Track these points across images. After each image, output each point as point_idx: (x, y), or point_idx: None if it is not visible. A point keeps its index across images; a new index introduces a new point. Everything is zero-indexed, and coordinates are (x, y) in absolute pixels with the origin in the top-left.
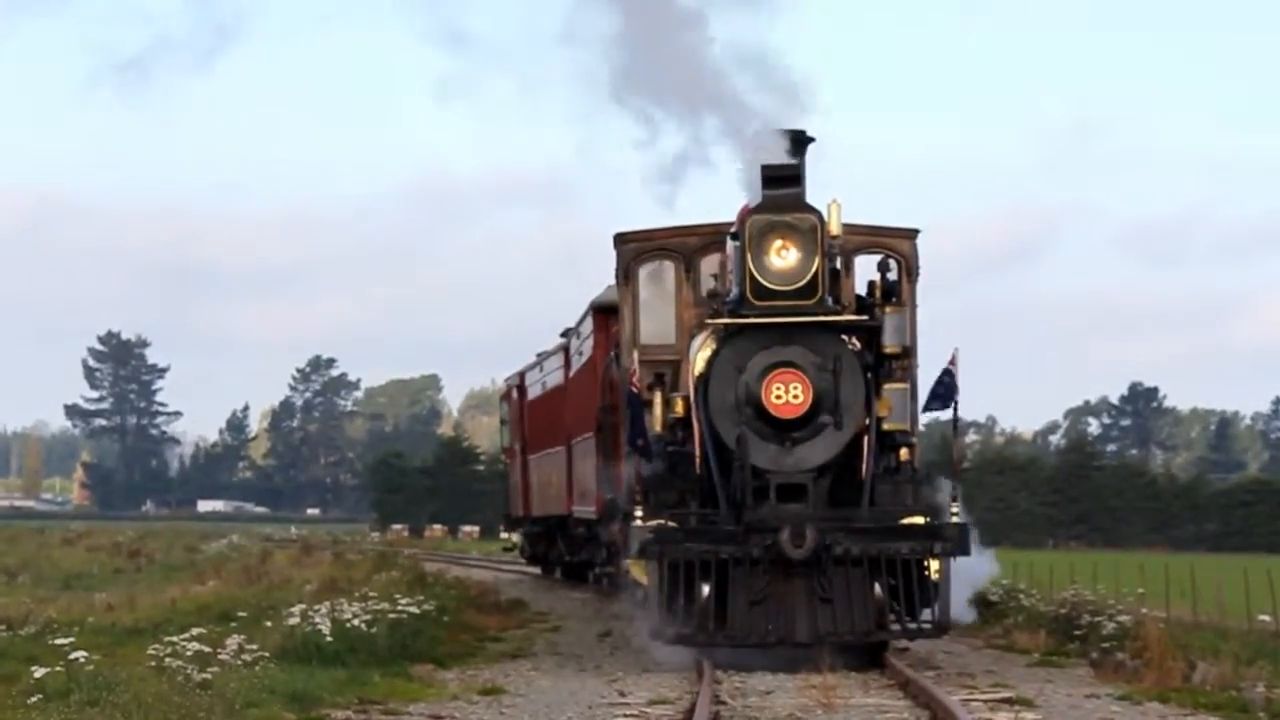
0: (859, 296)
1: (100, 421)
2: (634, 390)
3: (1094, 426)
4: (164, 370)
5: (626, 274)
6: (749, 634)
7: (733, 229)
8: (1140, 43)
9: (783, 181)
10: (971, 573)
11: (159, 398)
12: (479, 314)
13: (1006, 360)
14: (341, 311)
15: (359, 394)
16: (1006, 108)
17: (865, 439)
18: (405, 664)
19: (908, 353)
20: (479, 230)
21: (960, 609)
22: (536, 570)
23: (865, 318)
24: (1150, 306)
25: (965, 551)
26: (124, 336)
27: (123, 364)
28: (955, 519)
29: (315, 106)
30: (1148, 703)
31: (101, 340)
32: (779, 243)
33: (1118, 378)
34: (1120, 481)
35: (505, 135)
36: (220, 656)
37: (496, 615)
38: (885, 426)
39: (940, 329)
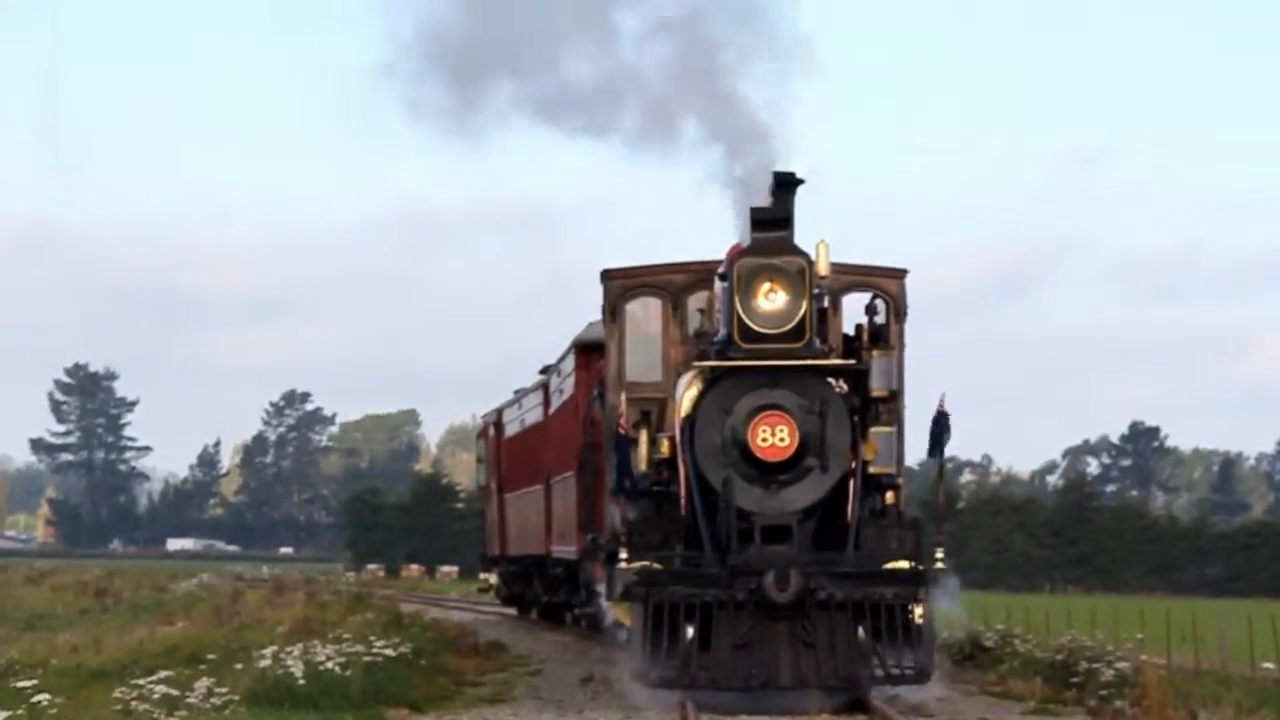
0: (846, 336)
1: (66, 456)
2: (621, 432)
3: (1093, 466)
4: (133, 404)
5: (613, 311)
6: (732, 677)
7: (721, 269)
8: (1139, 74)
9: (772, 224)
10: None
11: (127, 432)
12: (459, 346)
13: (1003, 397)
14: (317, 343)
15: (334, 429)
16: (1001, 139)
17: (851, 482)
18: (380, 708)
19: (895, 396)
20: (461, 260)
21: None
22: (513, 611)
23: (852, 361)
24: (1151, 342)
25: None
26: (91, 368)
27: (90, 397)
28: (939, 565)
29: (292, 134)
30: None
31: (68, 372)
32: (767, 285)
33: (1118, 416)
34: (1120, 523)
35: (488, 163)
36: (189, 700)
37: (475, 658)
38: (871, 469)
39: (934, 363)
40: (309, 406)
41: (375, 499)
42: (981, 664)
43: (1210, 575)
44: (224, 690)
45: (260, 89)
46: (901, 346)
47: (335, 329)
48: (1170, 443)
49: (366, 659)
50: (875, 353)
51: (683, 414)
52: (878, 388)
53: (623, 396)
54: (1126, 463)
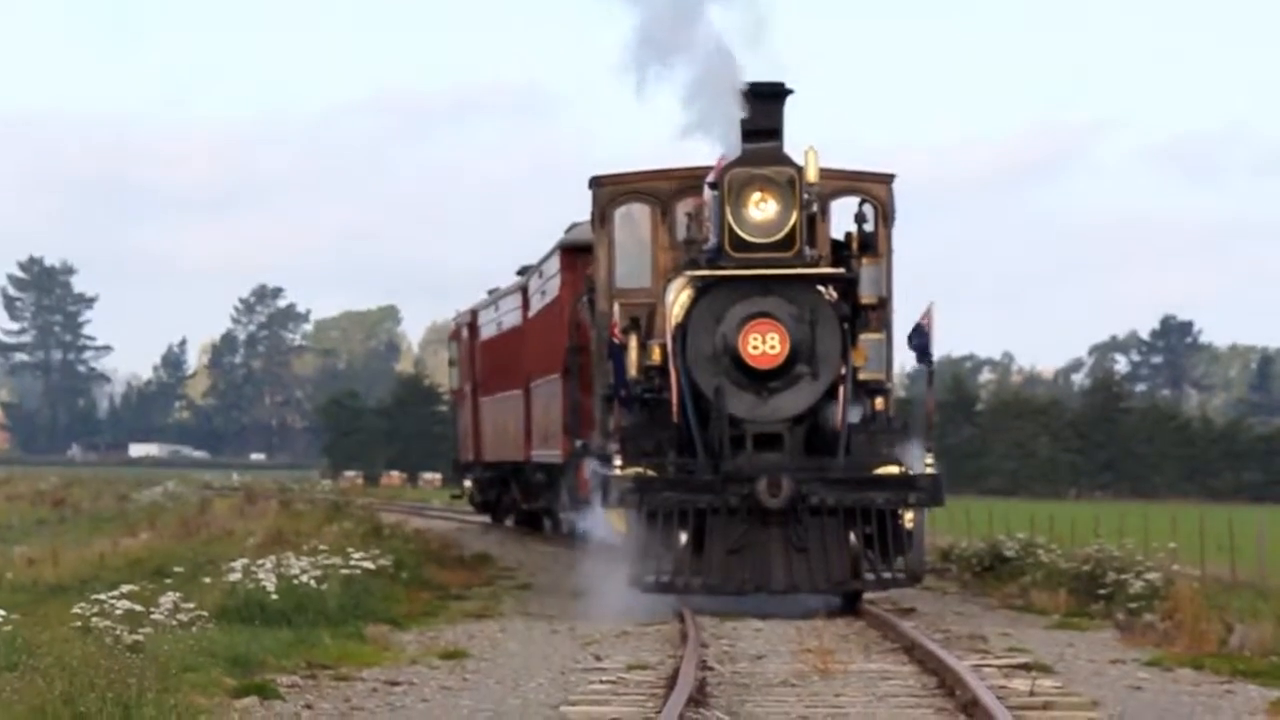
0: (835, 242)
1: (21, 357)
2: (615, 340)
3: (1122, 364)
4: (92, 300)
5: (603, 217)
6: (726, 582)
7: (711, 178)
8: None
9: (761, 135)
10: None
11: (86, 330)
12: (442, 239)
13: (1025, 290)
14: (290, 236)
15: (308, 327)
16: (1032, 12)
17: (841, 389)
18: (359, 625)
19: (884, 303)
20: (442, 148)
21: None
22: (486, 519)
23: (842, 270)
24: (1185, 230)
25: (939, 502)
26: (47, 262)
27: (46, 293)
28: (929, 470)
29: (264, 12)
30: (1179, 669)
31: (22, 267)
32: (758, 195)
33: (1148, 310)
34: (1151, 425)
35: (472, 43)
36: (153, 616)
37: (460, 571)
38: (861, 376)
39: (952, 250)
40: (281, 303)
41: (353, 402)
42: (1002, 576)
43: (1247, 480)
44: (191, 606)
45: None
46: (890, 252)
47: (309, 220)
48: (1204, 338)
49: (344, 572)
50: (865, 260)
51: (674, 322)
52: (867, 295)
53: (615, 305)
54: (1157, 360)
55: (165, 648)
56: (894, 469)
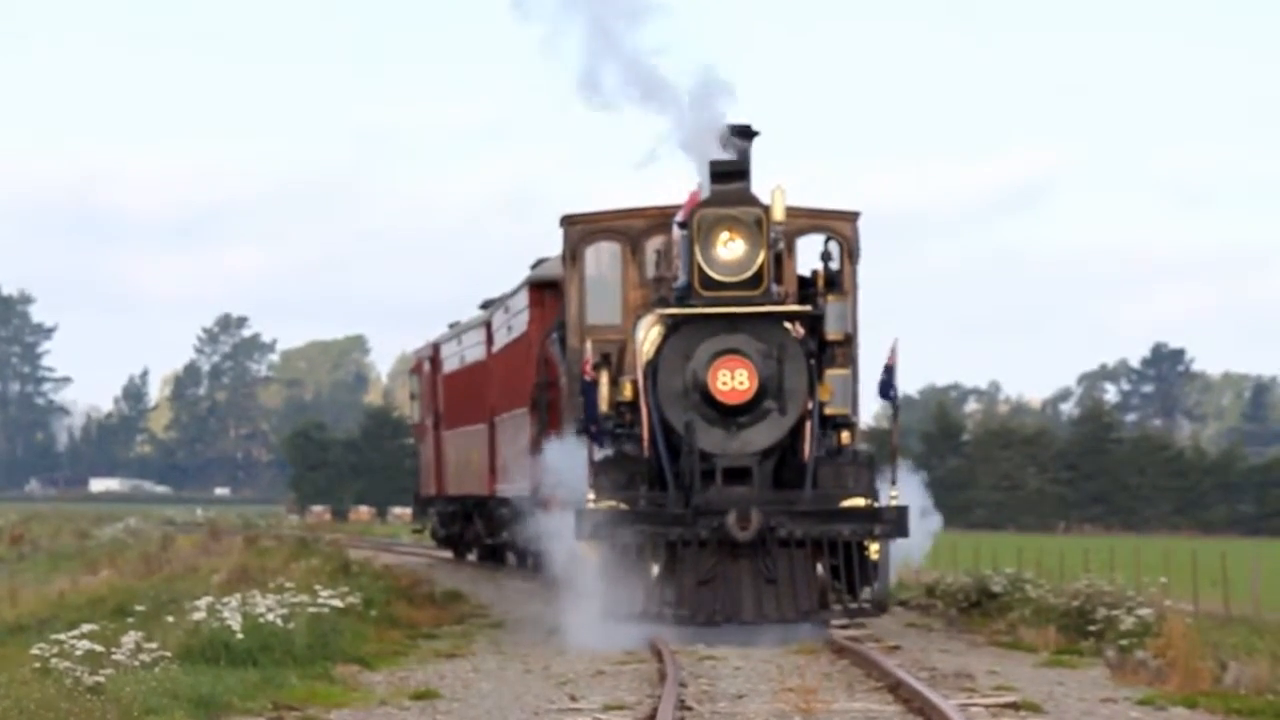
0: (801, 279)
1: None
2: (587, 378)
3: (1111, 393)
4: (51, 330)
5: (574, 255)
6: (696, 613)
7: (680, 217)
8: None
9: (730, 176)
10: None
11: (45, 361)
12: (410, 268)
13: (1012, 318)
14: (255, 265)
15: (274, 357)
16: (1011, 43)
17: (808, 423)
18: (326, 664)
19: (849, 339)
20: (410, 177)
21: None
22: (448, 554)
23: (808, 307)
24: (1176, 257)
25: (904, 534)
26: (4, 291)
27: (3, 323)
28: (894, 502)
29: (230, 42)
30: (1172, 708)
31: None
32: (726, 235)
33: (1139, 338)
34: (1141, 456)
35: (445, 76)
36: (115, 656)
37: (431, 609)
38: (827, 411)
39: (934, 282)
40: (246, 332)
41: (320, 434)
42: (989, 611)
43: (1241, 512)
44: (154, 645)
45: None
46: (855, 289)
47: (275, 249)
48: (1197, 366)
49: (311, 610)
50: (830, 297)
51: (645, 358)
52: (833, 331)
53: (588, 343)
54: (1148, 389)
55: (127, 689)
56: (860, 501)
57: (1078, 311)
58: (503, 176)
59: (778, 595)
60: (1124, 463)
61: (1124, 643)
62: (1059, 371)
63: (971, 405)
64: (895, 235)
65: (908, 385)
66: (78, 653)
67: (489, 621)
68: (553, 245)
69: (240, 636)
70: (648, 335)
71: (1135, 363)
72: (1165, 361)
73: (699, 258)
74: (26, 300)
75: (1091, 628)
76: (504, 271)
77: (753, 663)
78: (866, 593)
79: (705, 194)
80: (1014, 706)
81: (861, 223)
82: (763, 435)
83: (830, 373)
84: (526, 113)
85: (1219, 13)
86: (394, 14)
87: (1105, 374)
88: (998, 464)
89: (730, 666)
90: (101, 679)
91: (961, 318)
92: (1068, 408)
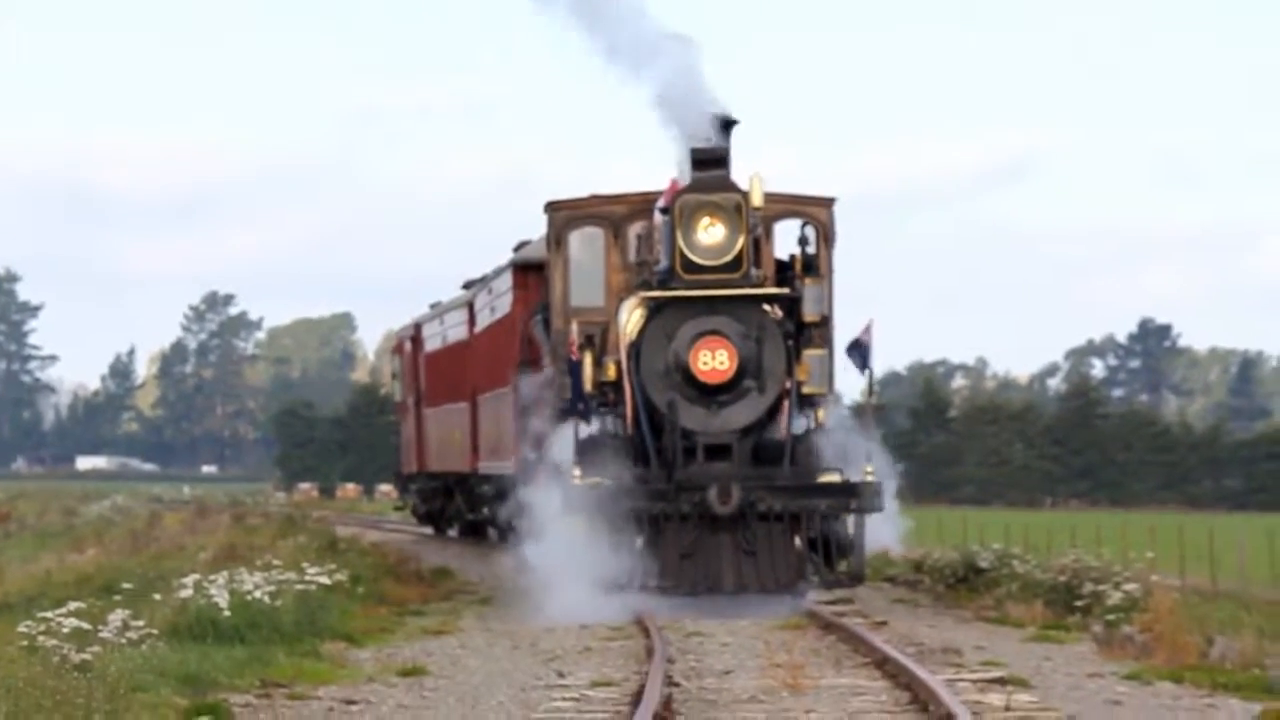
0: (779, 262)
1: None
2: (573, 358)
3: (1098, 369)
4: (37, 308)
5: (558, 240)
6: (679, 584)
7: (661, 203)
8: None
9: (710, 164)
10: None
11: (31, 340)
12: (397, 245)
13: (999, 293)
14: (242, 242)
15: (261, 335)
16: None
17: (786, 402)
18: (314, 641)
19: (826, 320)
20: (398, 155)
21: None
22: (428, 530)
23: (786, 290)
24: (1163, 233)
25: (878, 508)
26: None
27: None
28: (869, 477)
29: (217, 22)
30: (1159, 682)
31: None
32: (706, 220)
33: (1125, 314)
34: (1128, 431)
35: (430, 53)
36: (102, 634)
37: (418, 586)
38: (805, 390)
39: (922, 258)
40: (233, 310)
41: (307, 412)
42: (976, 587)
43: (1228, 488)
44: (141, 623)
45: None
46: (831, 272)
47: (262, 227)
48: (1183, 342)
49: (298, 588)
50: (807, 281)
51: (628, 340)
52: (810, 313)
53: (574, 324)
54: (1135, 364)
55: (114, 667)
56: (835, 477)
57: (1064, 287)
58: (492, 157)
59: (757, 567)
60: (1111, 438)
61: (1111, 618)
62: (1046, 347)
63: (958, 381)
64: (884, 211)
65: (896, 361)
66: (65, 630)
67: (476, 598)
68: (539, 225)
69: (227, 614)
70: (630, 317)
71: (1122, 338)
72: (1152, 337)
73: (680, 242)
74: (13, 278)
75: (1078, 603)
76: (491, 249)
77: (740, 638)
78: (843, 565)
79: (685, 181)
80: (1001, 681)
81: (839, 206)
82: (742, 413)
83: (808, 353)
84: (517, 93)
85: None
86: None
87: (1092, 349)
88: (985, 439)
89: (717, 643)
90: (88, 657)
91: (948, 293)
92: (1055, 383)
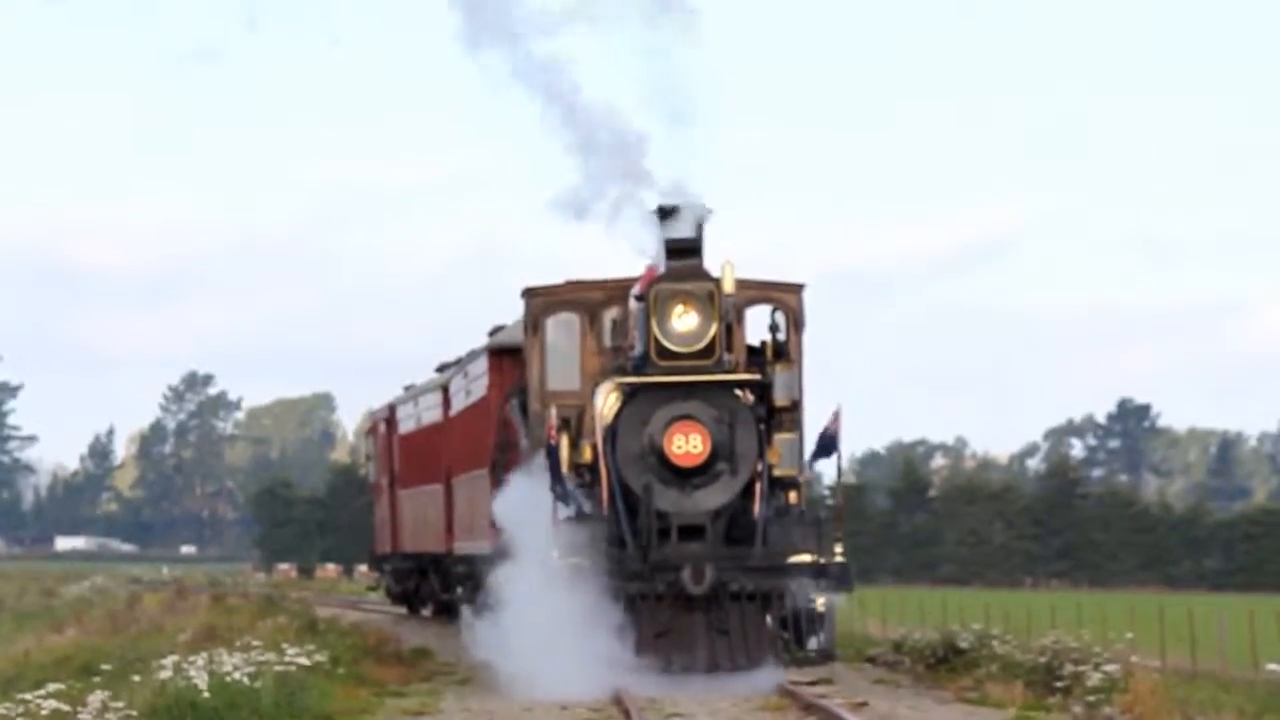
0: (750, 348)
1: None
2: (551, 441)
3: (1078, 449)
4: (16, 389)
5: (535, 325)
6: (655, 662)
7: (635, 290)
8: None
9: (684, 254)
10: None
11: (10, 420)
12: (377, 324)
13: (978, 373)
14: (221, 322)
15: (240, 415)
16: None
17: (758, 484)
18: None
19: (796, 405)
20: (377, 234)
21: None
22: (402, 610)
23: (758, 376)
24: (1142, 312)
25: (848, 588)
26: None
27: None
28: (839, 558)
29: (194, 100)
30: None
31: None
32: (680, 308)
33: (1104, 393)
34: (1108, 511)
35: (410, 133)
36: (81, 717)
37: (398, 666)
38: (776, 473)
39: (898, 334)
40: (212, 390)
41: (287, 492)
42: (956, 668)
43: (1208, 568)
44: (120, 705)
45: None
46: (801, 357)
47: (241, 306)
48: (1162, 422)
49: (278, 668)
50: (778, 367)
51: (604, 423)
52: (781, 398)
53: (553, 409)
54: (1114, 444)
55: None
56: (806, 557)
57: (1044, 367)
58: (469, 232)
59: (730, 645)
60: (1090, 518)
61: (1091, 699)
62: (1025, 427)
63: (938, 460)
64: (862, 291)
65: (875, 440)
66: (44, 712)
67: (456, 678)
68: (516, 305)
69: (207, 695)
70: (606, 401)
71: (1101, 418)
72: (1131, 417)
73: (655, 329)
74: None
75: (1059, 684)
76: (469, 328)
77: (720, 719)
78: (813, 642)
79: (660, 269)
80: None
81: (809, 292)
82: (715, 495)
83: (778, 437)
84: (491, 168)
85: (1184, 65)
86: (359, 70)
87: (1071, 429)
88: (964, 519)
89: (668, 694)
90: None
91: (928, 373)
92: (1034, 463)
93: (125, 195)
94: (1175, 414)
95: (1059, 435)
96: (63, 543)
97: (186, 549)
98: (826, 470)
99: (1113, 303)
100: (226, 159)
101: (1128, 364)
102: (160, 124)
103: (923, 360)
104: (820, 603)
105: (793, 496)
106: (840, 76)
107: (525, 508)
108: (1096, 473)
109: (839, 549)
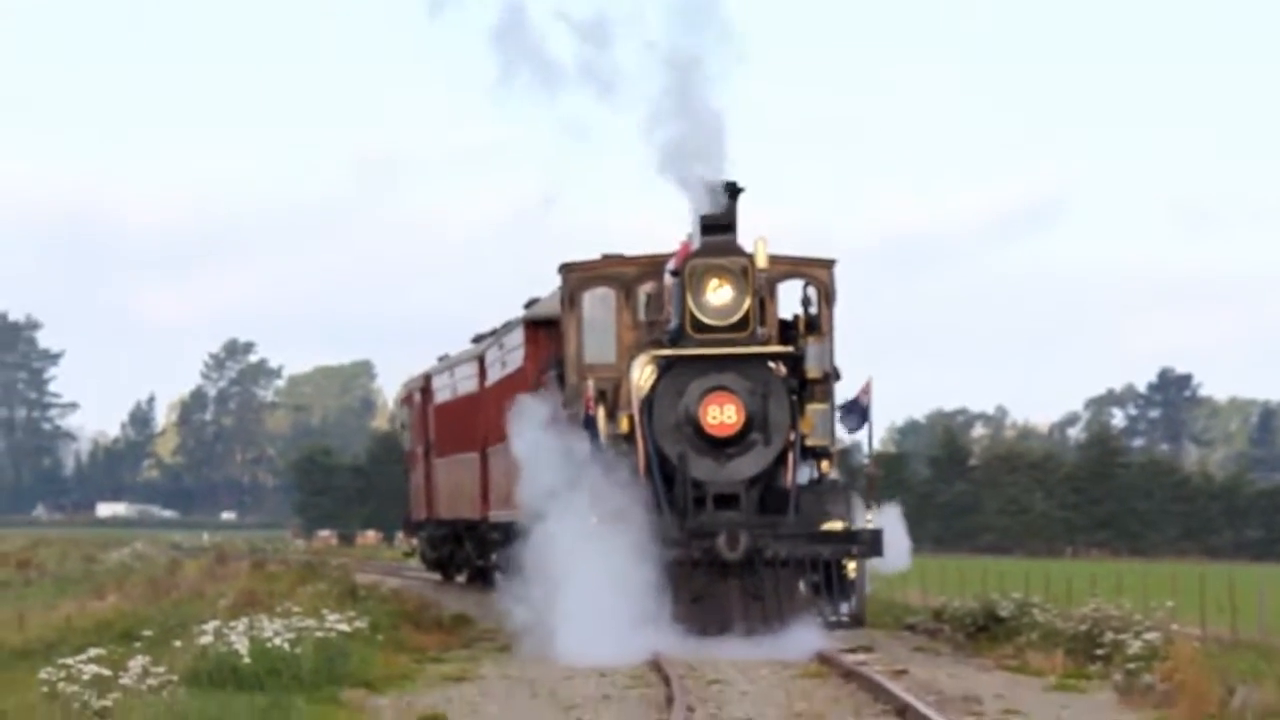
0: (783, 321)
1: None
2: (589, 412)
3: (1119, 418)
4: (58, 356)
5: (572, 300)
6: (691, 627)
7: (671, 265)
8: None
9: (718, 229)
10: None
11: (52, 387)
12: (417, 292)
13: (1018, 342)
14: (262, 289)
15: (281, 382)
16: (1015, 57)
17: (790, 454)
18: (333, 688)
19: (828, 376)
20: (418, 198)
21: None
22: (436, 576)
23: (790, 348)
24: (1183, 281)
25: (878, 553)
26: (11, 317)
27: (10, 349)
28: (869, 525)
29: (234, 63)
30: None
31: None
32: (715, 282)
33: (1146, 363)
34: (1149, 481)
35: (452, 95)
36: (122, 681)
37: (438, 633)
38: (808, 442)
39: (942, 307)
40: (253, 358)
41: (327, 459)
42: (996, 636)
43: (1248, 537)
44: (161, 670)
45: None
46: (832, 330)
47: (282, 274)
48: (1204, 391)
49: (318, 635)
50: (810, 339)
51: (640, 395)
52: (813, 370)
53: (590, 381)
54: (1155, 414)
55: (135, 714)
56: (838, 525)
57: (1085, 336)
58: (512, 197)
59: (764, 610)
60: (1131, 487)
61: (1131, 667)
62: (1066, 396)
63: (979, 430)
64: (905, 258)
65: (915, 410)
66: (85, 677)
67: (496, 645)
68: (556, 270)
69: (247, 660)
70: (642, 373)
71: (1142, 388)
72: (1172, 386)
73: (691, 304)
74: (34, 326)
75: (1099, 652)
76: (512, 293)
77: (760, 686)
78: (845, 607)
79: (695, 244)
80: None
81: (840, 267)
82: (749, 464)
83: (811, 407)
84: (533, 133)
85: (1237, 30)
86: (402, 33)
87: (1112, 399)
88: (1005, 488)
89: (737, 691)
90: (109, 703)
91: (969, 342)
92: (1075, 432)
93: (166, 161)
94: (1216, 383)
95: (1100, 405)
96: (104, 509)
97: (227, 515)
98: (863, 439)
99: (1154, 272)
100: (269, 123)
101: (1169, 333)
102: (201, 88)
103: (964, 329)
104: (851, 568)
105: (825, 466)
106: (883, 42)
107: (563, 475)
108: (1137, 442)
109: (870, 516)
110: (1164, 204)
